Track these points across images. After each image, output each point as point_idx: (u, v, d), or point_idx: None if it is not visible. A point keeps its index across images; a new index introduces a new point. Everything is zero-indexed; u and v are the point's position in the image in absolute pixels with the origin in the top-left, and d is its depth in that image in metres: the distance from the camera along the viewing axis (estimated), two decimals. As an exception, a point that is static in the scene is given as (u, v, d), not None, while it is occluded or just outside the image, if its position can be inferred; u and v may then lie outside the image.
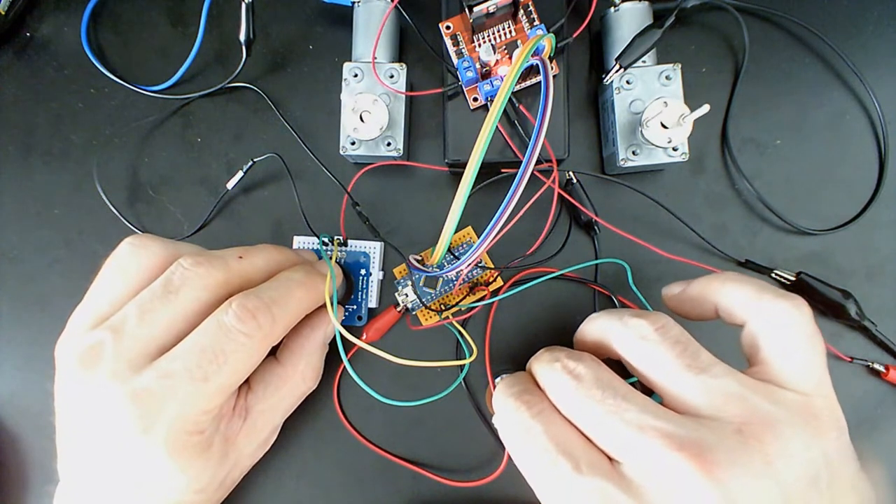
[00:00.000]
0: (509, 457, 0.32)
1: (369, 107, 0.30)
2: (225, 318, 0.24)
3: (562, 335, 0.33)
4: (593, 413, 0.21)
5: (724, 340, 0.33)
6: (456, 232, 0.28)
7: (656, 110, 0.29)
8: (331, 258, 0.30)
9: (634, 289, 0.32)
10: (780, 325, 0.22)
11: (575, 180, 0.32)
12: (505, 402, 0.23)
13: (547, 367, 0.23)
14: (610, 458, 0.20)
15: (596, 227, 0.33)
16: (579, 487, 0.20)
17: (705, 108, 0.28)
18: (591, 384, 0.21)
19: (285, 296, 0.26)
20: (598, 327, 0.25)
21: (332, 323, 0.28)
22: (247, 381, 0.28)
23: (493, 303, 0.33)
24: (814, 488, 0.19)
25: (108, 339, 0.23)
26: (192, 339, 0.24)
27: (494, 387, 0.32)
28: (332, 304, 0.26)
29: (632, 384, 0.22)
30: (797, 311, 0.22)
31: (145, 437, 0.22)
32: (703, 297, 0.25)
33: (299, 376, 0.29)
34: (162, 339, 0.24)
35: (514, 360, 0.33)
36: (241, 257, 0.26)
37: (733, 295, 0.24)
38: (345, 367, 0.31)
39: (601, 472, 0.20)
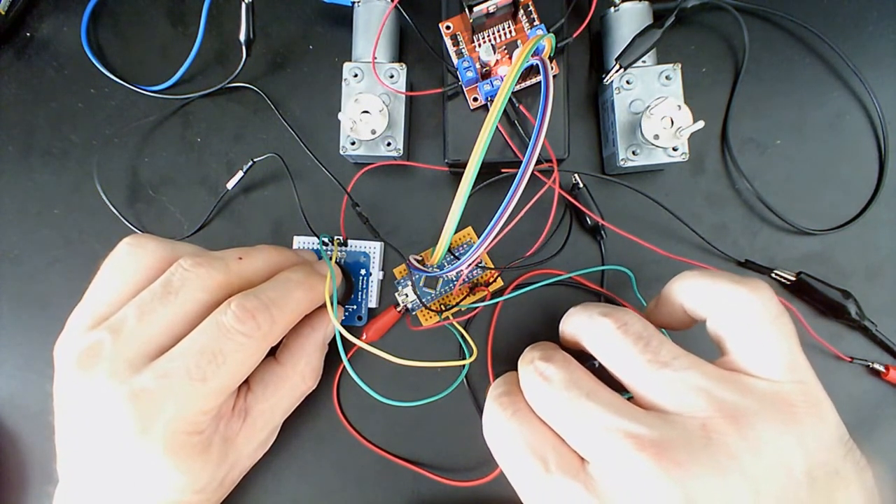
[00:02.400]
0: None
1: (369, 107, 0.30)
2: (224, 319, 0.24)
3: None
4: (562, 413, 0.21)
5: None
6: (456, 232, 0.28)
7: (656, 123, 0.30)
8: (331, 258, 0.30)
9: (639, 296, 0.32)
10: (739, 312, 0.21)
11: (581, 184, 0.32)
12: (487, 403, 0.24)
13: (522, 368, 0.24)
14: (582, 458, 0.21)
15: (603, 232, 0.33)
16: (548, 487, 0.20)
17: (700, 124, 0.28)
18: (559, 385, 0.21)
19: (284, 296, 0.26)
20: (572, 325, 0.25)
21: (332, 323, 0.28)
22: (246, 381, 0.28)
23: (496, 303, 0.33)
24: (789, 479, 0.18)
25: (107, 339, 0.23)
26: (191, 339, 0.24)
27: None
28: (332, 304, 0.26)
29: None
30: (754, 296, 0.21)
31: (144, 438, 0.22)
32: (670, 302, 0.24)
33: (299, 376, 0.29)
34: (161, 340, 0.24)
35: (517, 361, 0.33)
36: (240, 258, 0.26)
37: (691, 291, 0.23)
38: (345, 367, 0.31)
39: (569, 473, 0.20)
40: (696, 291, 0.23)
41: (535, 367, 0.23)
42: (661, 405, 0.20)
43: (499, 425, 0.23)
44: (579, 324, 0.24)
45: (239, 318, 0.24)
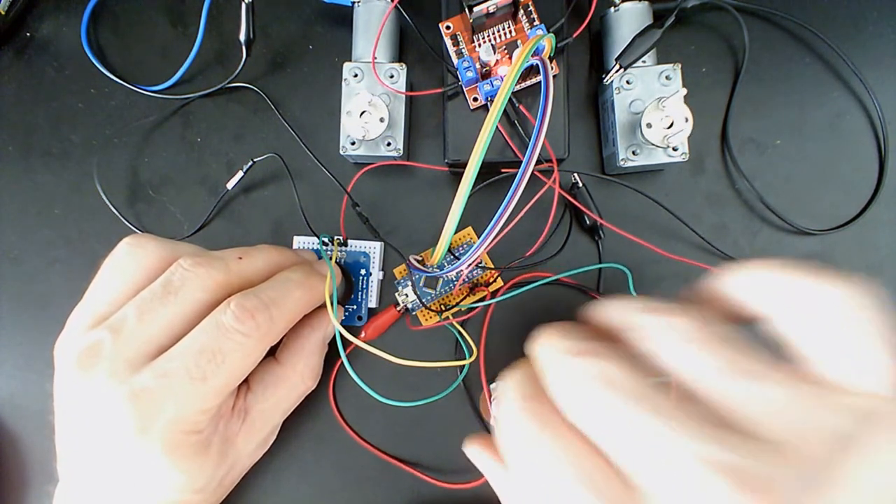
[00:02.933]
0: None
1: (363, 107, 0.30)
2: (223, 318, 0.24)
3: (562, 335, 0.33)
4: (624, 430, 0.16)
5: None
6: (456, 232, 0.28)
7: (654, 119, 0.30)
8: (331, 258, 0.30)
9: (635, 295, 0.32)
10: (832, 317, 0.17)
11: (581, 184, 0.32)
12: (509, 409, 0.19)
13: (559, 360, 0.18)
14: (625, 483, 0.16)
15: (601, 231, 0.33)
16: None
17: (682, 91, 0.29)
18: (625, 392, 0.16)
19: (284, 296, 0.26)
20: (617, 318, 0.20)
21: (332, 323, 0.28)
22: (246, 381, 0.28)
23: (490, 304, 0.33)
24: None
25: (107, 338, 0.23)
26: (191, 338, 0.24)
27: (489, 392, 0.32)
28: (332, 304, 0.26)
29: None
30: (851, 297, 0.17)
31: (143, 437, 0.22)
32: (717, 298, 0.20)
33: (298, 376, 0.29)
34: (161, 340, 0.24)
35: (512, 363, 0.33)
36: (240, 258, 0.26)
37: (755, 285, 0.19)
38: (341, 367, 0.30)
39: None
40: (762, 286, 0.19)
41: (587, 365, 0.17)
42: (754, 428, 0.15)
43: (529, 440, 0.18)
44: (633, 321, 0.19)
45: (238, 318, 0.24)
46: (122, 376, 0.23)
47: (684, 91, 0.29)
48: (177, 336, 0.24)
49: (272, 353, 0.29)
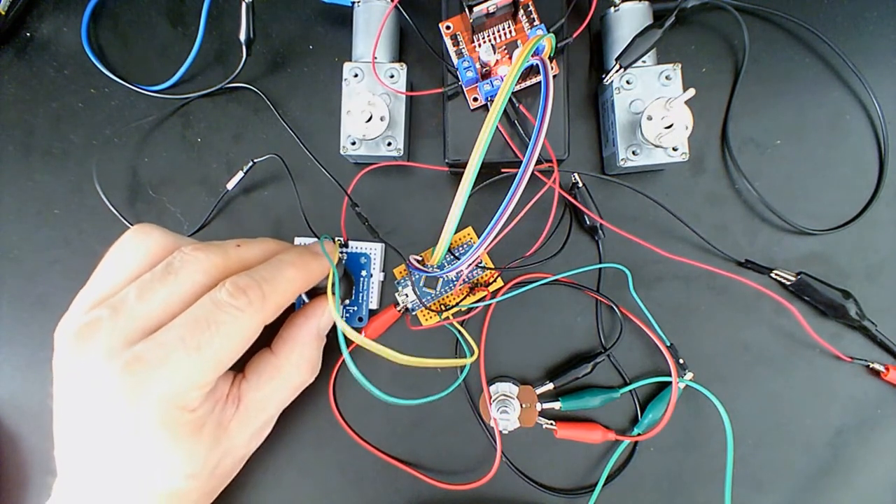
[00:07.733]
0: (503, 456, 0.32)
1: (369, 107, 0.30)
2: (218, 295, 0.24)
3: (560, 337, 0.33)
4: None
5: (723, 341, 0.33)
6: (456, 232, 0.28)
7: (656, 115, 0.29)
8: (331, 254, 0.30)
9: (635, 295, 0.32)
10: None
11: (581, 184, 0.32)
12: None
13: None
14: None
15: (601, 231, 0.33)
16: None
17: (691, 92, 0.28)
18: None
19: (276, 275, 0.26)
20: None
21: (330, 313, 0.29)
22: (242, 370, 0.28)
23: (489, 305, 0.33)
24: None
25: (106, 315, 0.23)
26: (187, 312, 0.24)
27: (490, 394, 0.32)
28: (333, 292, 0.26)
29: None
30: None
31: (136, 410, 0.23)
32: None
33: (293, 367, 0.29)
34: (159, 317, 0.24)
35: (511, 363, 0.33)
36: (238, 245, 0.27)
37: None
38: (341, 367, 0.30)
39: None
40: None
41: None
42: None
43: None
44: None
45: (232, 294, 0.24)
46: (118, 350, 0.23)
47: (691, 93, 0.28)
48: (174, 315, 0.24)
49: (269, 344, 0.29)
